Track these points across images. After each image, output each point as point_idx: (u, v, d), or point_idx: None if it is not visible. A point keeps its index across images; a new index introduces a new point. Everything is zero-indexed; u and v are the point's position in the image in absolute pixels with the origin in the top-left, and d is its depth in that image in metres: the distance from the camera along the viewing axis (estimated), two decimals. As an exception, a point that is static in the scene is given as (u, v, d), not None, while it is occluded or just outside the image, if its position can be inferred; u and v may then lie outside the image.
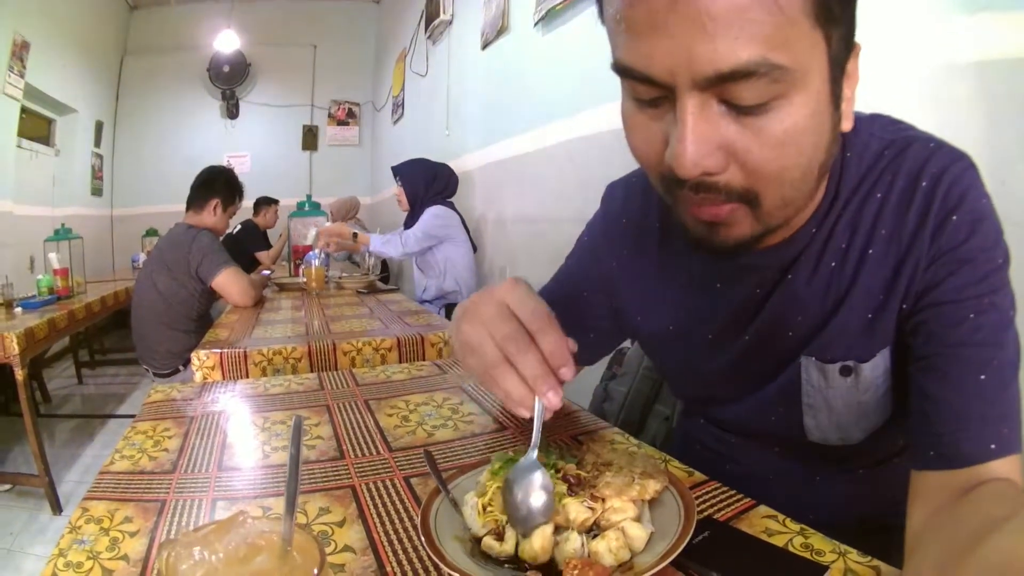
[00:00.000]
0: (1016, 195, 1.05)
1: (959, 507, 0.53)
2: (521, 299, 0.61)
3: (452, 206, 3.34)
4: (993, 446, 0.55)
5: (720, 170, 0.51)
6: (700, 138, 0.49)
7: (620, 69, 0.52)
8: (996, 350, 0.58)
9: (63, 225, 3.64)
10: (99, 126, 6.42)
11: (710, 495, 0.64)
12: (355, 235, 3.25)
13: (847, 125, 0.57)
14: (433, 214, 3.19)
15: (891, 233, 0.63)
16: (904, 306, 0.64)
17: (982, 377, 0.57)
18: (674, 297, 0.79)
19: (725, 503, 0.63)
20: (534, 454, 0.56)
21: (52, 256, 3.24)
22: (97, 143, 6.39)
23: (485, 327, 0.61)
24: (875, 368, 0.67)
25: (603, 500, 0.54)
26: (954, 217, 0.60)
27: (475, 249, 3.37)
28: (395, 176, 3.39)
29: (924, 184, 0.62)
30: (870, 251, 0.65)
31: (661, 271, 0.80)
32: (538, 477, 0.53)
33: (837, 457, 0.75)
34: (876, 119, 0.69)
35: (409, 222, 3.35)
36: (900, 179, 0.63)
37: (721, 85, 0.47)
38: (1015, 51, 1.13)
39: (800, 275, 0.68)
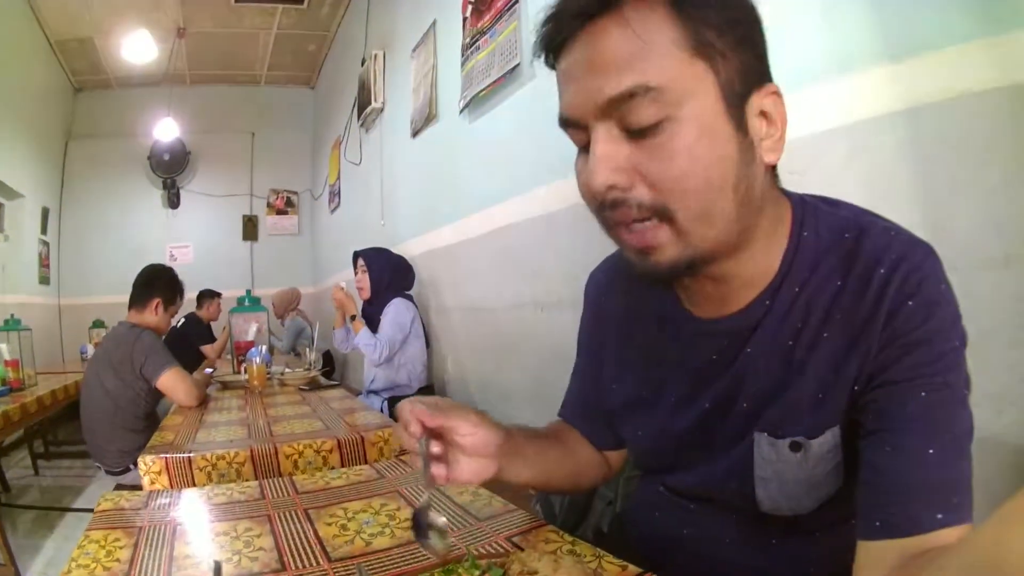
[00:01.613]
0: (952, 239, 1.07)
1: (906, 568, 0.55)
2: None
3: (412, 299, 3.35)
4: (940, 516, 0.56)
5: (628, 185, 0.61)
6: (605, 156, 0.61)
7: (561, 122, 0.66)
8: (946, 426, 0.59)
9: (12, 316, 3.55)
10: (45, 212, 6.34)
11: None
12: (352, 317, 3.26)
13: (771, 158, 0.66)
14: (401, 306, 3.20)
15: (845, 317, 0.66)
16: (856, 388, 0.66)
17: (931, 451, 0.58)
18: (640, 363, 0.86)
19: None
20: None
21: (2, 347, 3.16)
22: (44, 230, 6.29)
23: None
24: (823, 445, 0.69)
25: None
26: (910, 303, 0.62)
27: (428, 344, 3.36)
28: (357, 260, 3.36)
29: (882, 271, 0.64)
30: (824, 334, 0.68)
31: (629, 340, 0.88)
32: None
33: (793, 522, 0.76)
34: (836, 202, 0.74)
35: (367, 310, 3.33)
36: (859, 264, 0.66)
37: (616, 111, 0.60)
38: (943, 92, 1.14)
39: (758, 348, 0.72)
